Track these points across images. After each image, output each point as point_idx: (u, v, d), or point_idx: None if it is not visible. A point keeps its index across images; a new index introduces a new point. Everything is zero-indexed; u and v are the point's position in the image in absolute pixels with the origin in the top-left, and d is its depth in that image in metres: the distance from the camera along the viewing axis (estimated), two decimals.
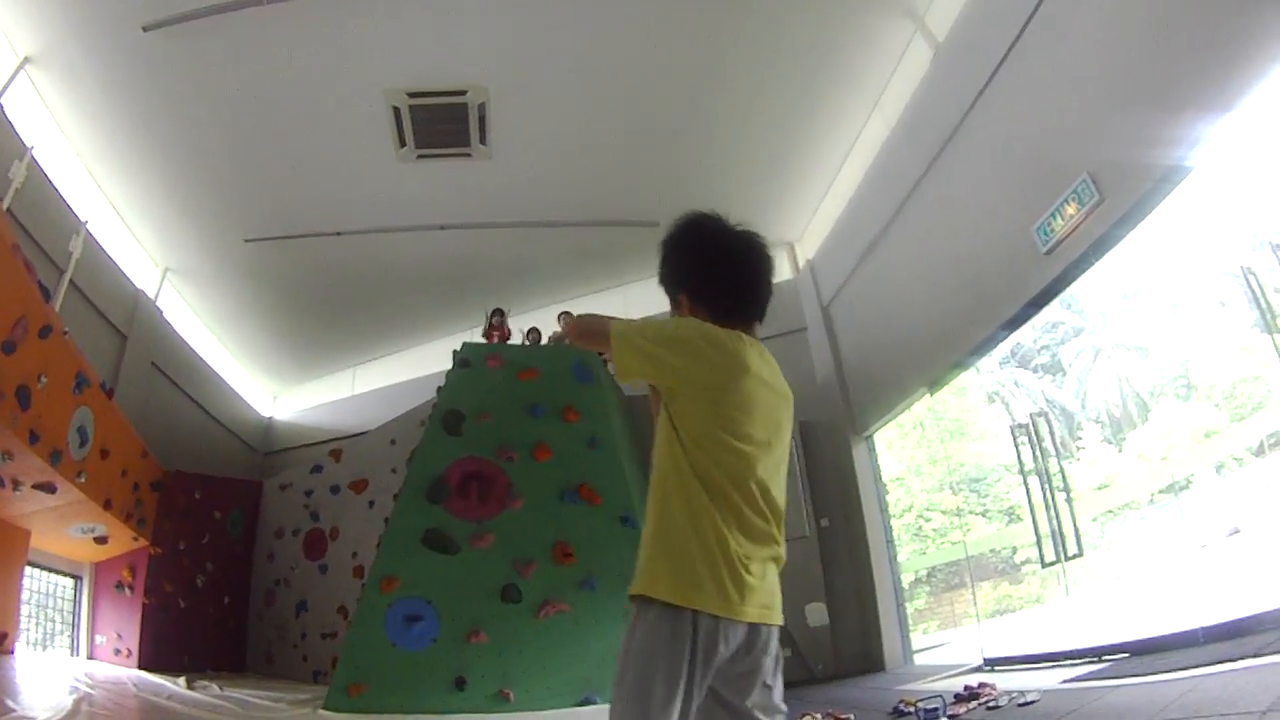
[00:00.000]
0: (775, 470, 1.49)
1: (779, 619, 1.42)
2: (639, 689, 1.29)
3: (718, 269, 1.55)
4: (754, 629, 1.37)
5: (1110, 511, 8.39)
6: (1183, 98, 3.58)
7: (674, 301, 1.61)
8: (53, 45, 5.29)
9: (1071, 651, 4.88)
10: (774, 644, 1.42)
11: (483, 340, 6.60)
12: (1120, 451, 8.55)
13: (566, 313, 7.00)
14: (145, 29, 5.13)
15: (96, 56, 5.40)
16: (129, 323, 7.08)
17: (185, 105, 5.88)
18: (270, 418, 9.40)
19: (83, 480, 5.21)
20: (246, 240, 6.90)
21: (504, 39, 5.56)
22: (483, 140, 6.08)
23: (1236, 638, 3.57)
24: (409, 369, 8.61)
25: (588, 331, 1.60)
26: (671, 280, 1.60)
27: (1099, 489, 7.93)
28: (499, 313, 6.62)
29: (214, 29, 5.22)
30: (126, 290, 7.14)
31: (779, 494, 1.48)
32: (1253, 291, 6.72)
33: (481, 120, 5.92)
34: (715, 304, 1.53)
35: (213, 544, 7.25)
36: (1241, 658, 3.18)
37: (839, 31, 5.77)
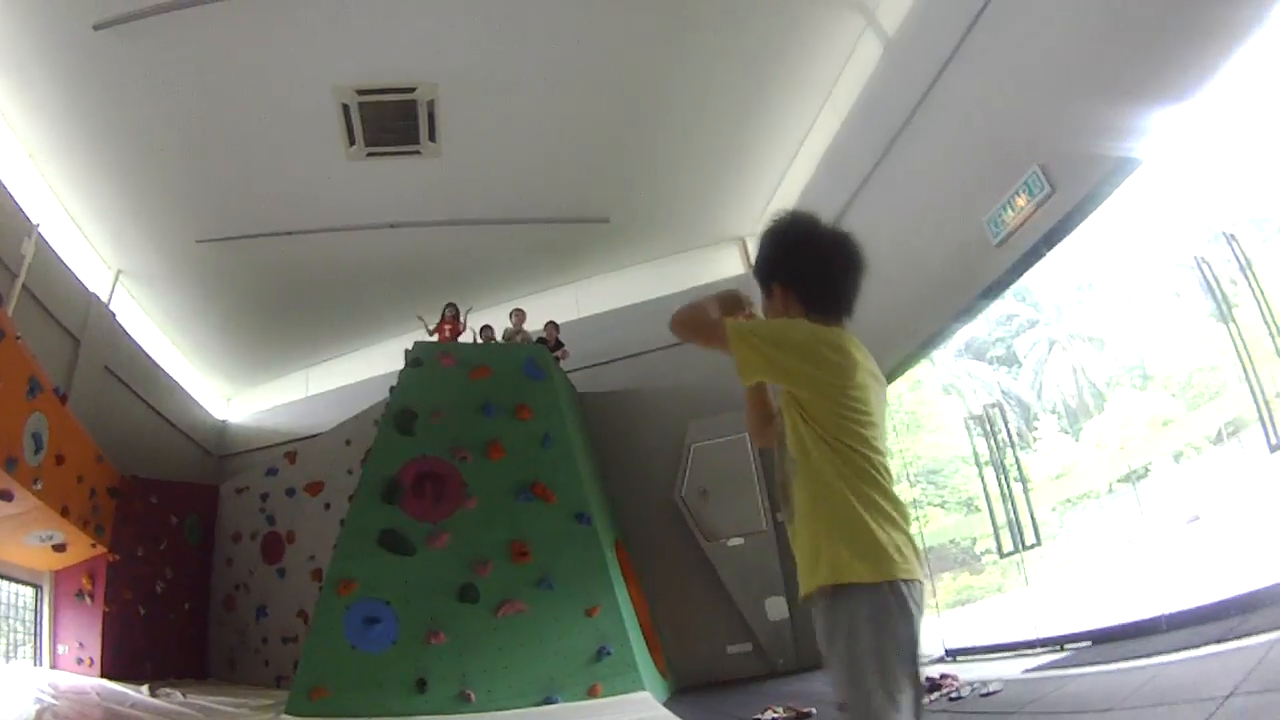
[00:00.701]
0: (885, 445, 1.58)
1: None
2: (878, 678, 1.32)
3: (820, 264, 1.61)
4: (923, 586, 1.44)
5: (1069, 501, 8.50)
6: (1133, 89, 3.60)
7: (767, 290, 1.66)
8: (2, 42, 5.17)
9: (1033, 641, 4.93)
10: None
11: (433, 337, 6.57)
12: (1077, 441, 8.68)
13: (518, 310, 6.99)
14: (96, 27, 5.04)
15: (47, 54, 5.31)
16: (82, 326, 6.96)
17: (136, 105, 5.80)
18: (225, 421, 9.31)
19: (39, 487, 5.15)
20: (198, 241, 6.80)
21: (453, 36, 5.53)
22: (432, 137, 6.04)
23: (1199, 624, 3.59)
24: (363, 369, 8.56)
25: (697, 327, 1.62)
26: (769, 270, 1.65)
27: (1056, 479, 8.04)
28: (451, 306, 6.59)
29: (164, 28, 5.15)
30: (79, 293, 7.01)
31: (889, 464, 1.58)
32: (1207, 281, 6.84)
33: (431, 118, 5.89)
34: (814, 297, 1.60)
35: (171, 550, 7.18)
36: (1204, 644, 3.21)
37: (790, 26, 5.79)
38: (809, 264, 1.61)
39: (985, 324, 7.46)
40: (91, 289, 7.18)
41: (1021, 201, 4.56)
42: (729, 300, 1.69)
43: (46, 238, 6.40)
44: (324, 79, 5.74)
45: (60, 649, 6.45)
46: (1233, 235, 6.97)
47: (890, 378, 6.07)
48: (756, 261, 1.70)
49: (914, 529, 1.49)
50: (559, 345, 6.86)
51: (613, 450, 6.98)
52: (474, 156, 6.34)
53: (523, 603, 5.23)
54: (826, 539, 1.43)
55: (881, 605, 1.35)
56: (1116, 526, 8.24)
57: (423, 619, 5.15)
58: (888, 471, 1.49)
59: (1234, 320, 6.51)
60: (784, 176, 7.23)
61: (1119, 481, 8.53)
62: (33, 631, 6.52)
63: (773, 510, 6.51)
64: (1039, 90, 4.23)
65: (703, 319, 1.61)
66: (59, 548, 6.18)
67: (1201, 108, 3.40)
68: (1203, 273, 6.78)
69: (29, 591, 6.51)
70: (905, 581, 1.37)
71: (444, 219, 6.75)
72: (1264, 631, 2.95)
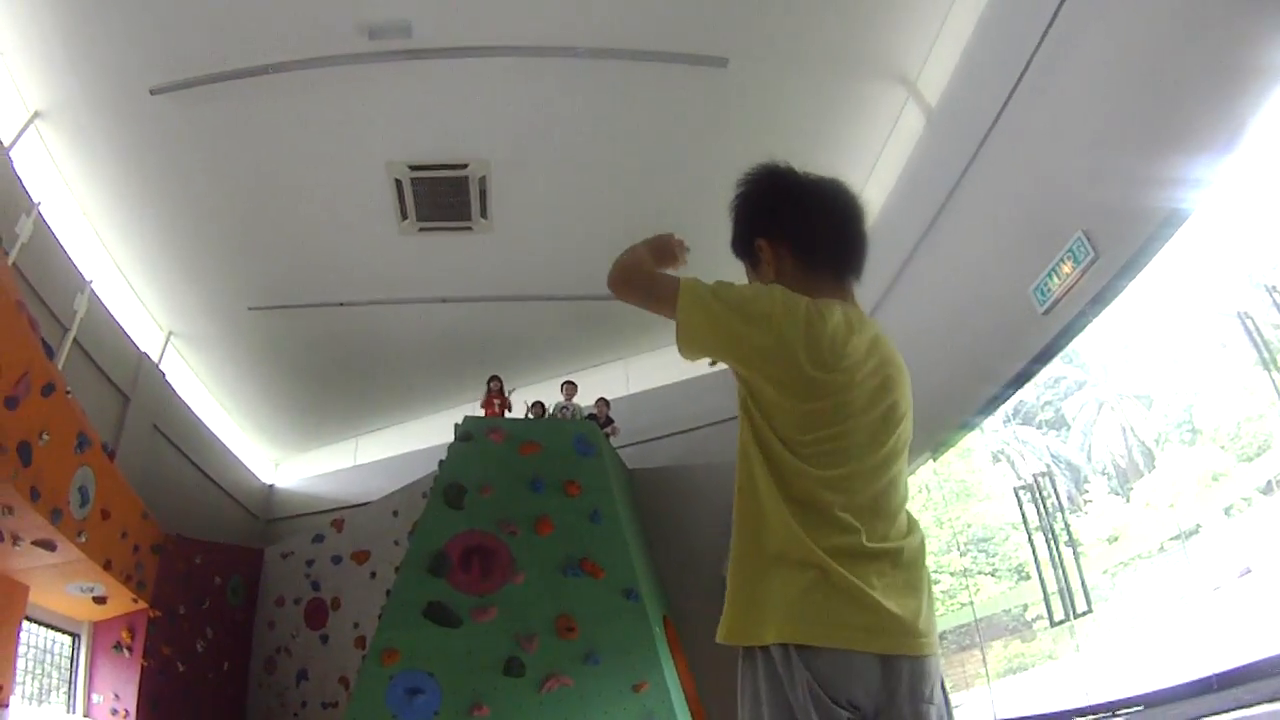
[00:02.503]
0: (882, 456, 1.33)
1: None
2: None
3: (818, 208, 1.33)
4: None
5: (1121, 563, 8.28)
6: (1172, 144, 3.61)
7: (750, 254, 1.39)
8: (62, 101, 5.36)
9: (1084, 708, 4.88)
10: None
11: (482, 411, 6.63)
12: (1128, 502, 8.50)
13: (569, 382, 7.04)
14: (153, 92, 5.21)
15: (105, 115, 5.48)
16: (132, 384, 7.12)
17: (191, 170, 5.98)
18: (272, 485, 9.42)
19: (83, 540, 5.23)
20: (250, 308, 6.96)
21: (505, 114, 5.69)
22: (484, 214, 6.19)
23: (1250, 682, 3.50)
24: (411, 440, 8.68)
25: (639, 283, 1.32)
26: (752, 225, 1.37)
27: (1108, 541, 7.85)
28: (496, 380, 6.65)
29: (221, 95, 5.32)
30: (130, 352, 7.19)
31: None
32: (1250, 334, 6.73)
33: (483, 194, 6.03)
34: (814, 249, 1.32)
35: (213, 610, 7.22)
36: (1257, 702, 3.15)
37: (833, 101, 5.89)
38: (804, 209, 1.33)
39: (1034, 388, 7.38)
40: (143, 348, 7.37)
41: (1067, 269, 4.55)
42: (660, 246, 1.39)
43: (100, 296, 6.58)
44: (378, 154, 5.92)
45: (95, 698, 6.50)
46: (1275, 286, 6.87)
47: (939, 450, 6.01)
48: (734, 226, 1.41)
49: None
50: (609, 421, 6.92)
51: (662, 525, 6.97)
52: (525, 233, 6.49)
53: (569, 678, 5.20)
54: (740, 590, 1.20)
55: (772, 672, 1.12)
56: (1168, 586, 8.01)
57: (467, 692, 5.13)
58: (864, 495, 1.21)
59: (1277, 368, 6.39)
60: None
61: (1170, 540, 8.32)
62: (67, 679, 6.58)
63: None
64: (1080, 154, 4.25)
65: (646, 272, 1.32)
66: (100, 600, 6.24)
67: (1239, 158, 3.37)
68: (1244, 326, 6.67)
69: (66, 639, 6.59)
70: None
71: (495, 294, 6.89)
72: None
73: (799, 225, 1.33)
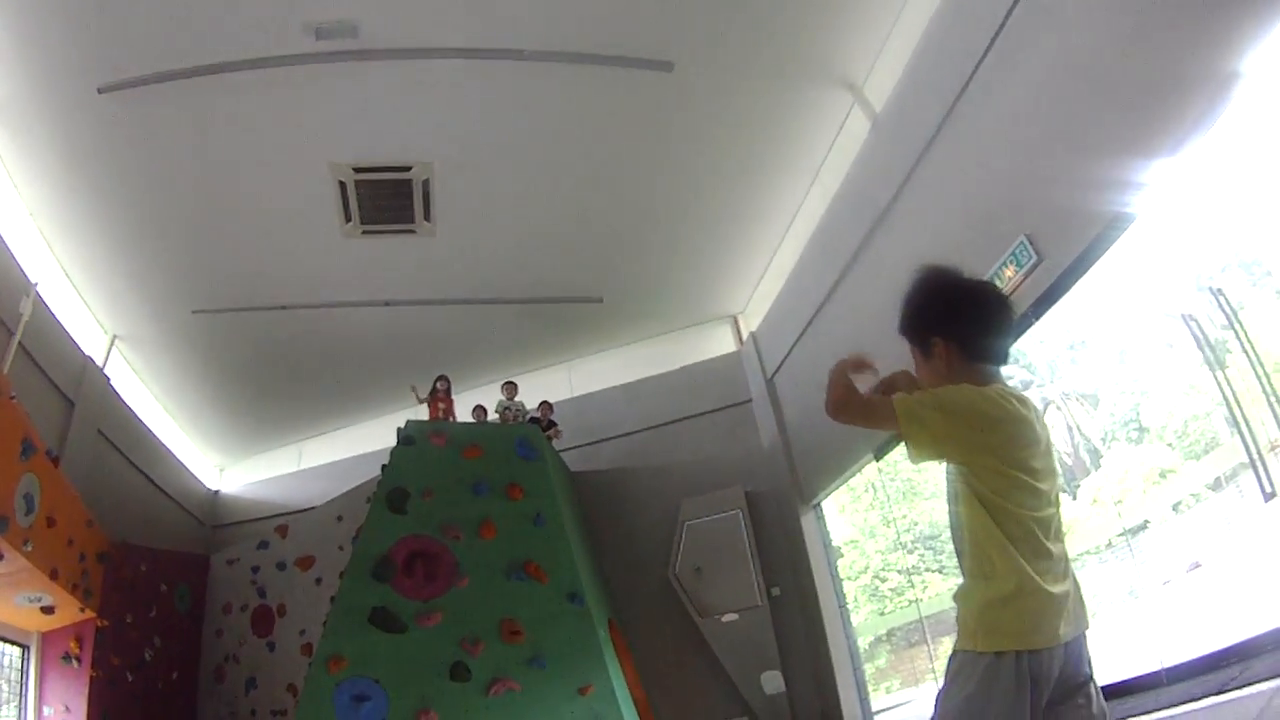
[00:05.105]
0: (1055, 497, 1.72)
1: None
2: None
3: (982, 315, 1.67)
4: None
5: (1071, 560, 8.41)
6: (1119, 150, 3.68)
7: (925, 347, 1.70)
8: (7, 99, 5.27)
9: None
10: None
11: (425, 410, 6.60)
12: (1075, 499, 8.70)
13: (510, 382, 7.03)
14: (100, 90, 5.14)
15: (51, 114, 5.40)
16: (76, 389, 7.00)
17: (137, 171, 5.92)
18: (217, 491, 9.33)
19: (29, 549, 5.18)
20: (194, 311, 6.87)
21: (450, 116, 5.70)
22: (427, 216, 6.18)
23: (1200, 675, 3.59)
24: (355, 444, 8.65)
25: (859, 409, 1.63)
26: (929, 326, 1.70)
27: None
28: (443, 380, 6.61)
29: (167, 95, 5.27)
30: (74, 356, 7.07)
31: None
32: (1195, 336, 6.90)
33: (426, 197, 6.03)
34: (978, 349, 1.65)
35: (160, 618, 7.14)
36: (1206, 695, 3.23)
37: (778, 105, 5.95)
38: (971, 316, 1.66)
39: None
40: (87, 352, 7.22)
41: (1010, 272, 4.63)
42: (855, 365, 1.71)
43: (44, 298, 6.44)
44: (322, 156, 5.89)
45: (46, 710, 6.41)
46: (1219, 289, 7.06)
47: (882, 452, 6.10)
48: (911, 318, 1.74)
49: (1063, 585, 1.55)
50: (552, 425, 6.95)
51: (606, 529, 7.04)
52: (468, 236, 6.49)
53: (515, 682, 5.21)
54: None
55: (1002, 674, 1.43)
56: (1116, 582, 8.20)
57: (413, 697, 5.13)
58: (1051, 527, 1.55)
59: (1224, 368, 6.57)
60: (774, 255, 7.39)
61: (1118, 536, 8.52)
62: (18, 691, 6.46)
63: (767, 586, 6.50)
64: (1024, 159, 4.35)
65: (864, 400, 1.63)
66: (47, 610, 6.18)
67: (1183, 163, 3.47)
68: (1190, 328, 6.86)
69: (15, 651, 6.48)
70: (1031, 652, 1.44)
71: (438, 297, 6.88)
72: (1264, 680, 2.98)
73: (972, 330, 1.66)
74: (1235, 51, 3.12)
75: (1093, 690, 1.55)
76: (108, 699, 6.37)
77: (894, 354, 1.84)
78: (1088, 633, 1.60)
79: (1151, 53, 3.46)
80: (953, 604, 1.64)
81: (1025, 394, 1.66)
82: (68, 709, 6.35)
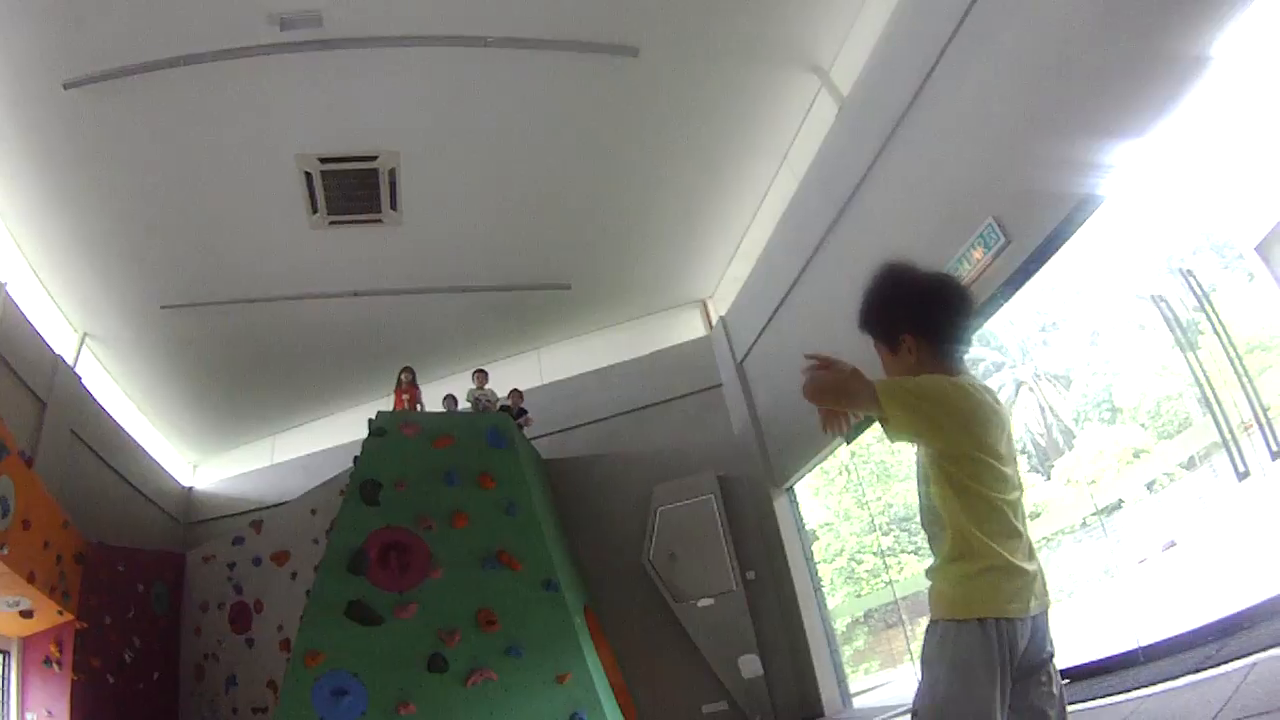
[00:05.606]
0: (1019, 481, 1.77)
1: None
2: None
3: (947, 309, 1.73)
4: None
5: (1044, 539, 8.55)
6: (1087, 132, 3.69)
7: (893, 343, 1.75)
8: None
9: None
10: None
11: (394, 402, 6.58)
12: (1048, 479, 8.81)
13: (481, 370, 7.01)
14: (66, 86, 5.10)
15: (17, 110, 5.35)
16: (48, 389, 6.93)
17: (103, 166, 5.88)
18: (191, 487, 9.28)
19: (5, 552, 5.17)
20: (163, 307, 6.81)
21: (414, 105, 5.68)
22: (394, 206, 6.15)
23: (1176, 653, 3.64)
24: (328, 437, 8.60)
25: (841, 390, 1.66)
26: (897, 321, 1.74)
27: (1030, 517, 8.13)
28: (408, 371, 6.60)
29: (133, 89, 5.24)
30: (45, 355, 7.00)
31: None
32: (1166, 317, 6.95)
33: (392, 186, 6.00)
34: (945, 341, 1.71)
35: (139, 618, 7.12)
36: (1183, 674, 3.26)
37: (745, 89, 5.95)
38: (939, 311, 1.72)
39: None
40: (58, 351, 7.15)
41: (978, 254, 4.64)
42: (835, 364, 1.73)
43: (13, 297, 6.36)
44: (287, 146, 5.86)
45: (29, 716, 6.36)
46: (1189, 271, 7.11)
47: (852, 435, 6.13)
48: (876, 314, 1.77)
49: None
50: (522, 412, 6.93)
51: (579, 516, 7.05)
52: (435, 224, 6.47)
53: (492, 671, 5.21)
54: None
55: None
56: (1091, 561, 8.29)
57: (392, 690, 5.14)
58: (1018, 509, 1.64)
59: (1195, 349, 6.65)
60: (743, 238, 7.39)
61: (1092, 515, 8.61)
62: (0, 698, 6.41)
63: (741, 570, 6.53)
64: (992, 142, 4.36)
65: (844, 381, 1.65)
66: (26, 614, 6.14)
67: (1154, 144, 3.48)
68: (1159, 309, 6.91)
69: None
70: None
71: (406, 287, 6.85)
72: (1240, 657, 3.04)
73: (940, 325, 1.72)
74: (1203, 33, 3.14)
75: (1053, 669, 1.62)
76: (90, 702, 6.35)
77: (863, 338, 1.88)
78: (1049, 612, 1.66)
79: (1119, 34, 3.47)
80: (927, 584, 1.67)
81: (988, 383, 1.74)
82: (50, 714, 6.32)
